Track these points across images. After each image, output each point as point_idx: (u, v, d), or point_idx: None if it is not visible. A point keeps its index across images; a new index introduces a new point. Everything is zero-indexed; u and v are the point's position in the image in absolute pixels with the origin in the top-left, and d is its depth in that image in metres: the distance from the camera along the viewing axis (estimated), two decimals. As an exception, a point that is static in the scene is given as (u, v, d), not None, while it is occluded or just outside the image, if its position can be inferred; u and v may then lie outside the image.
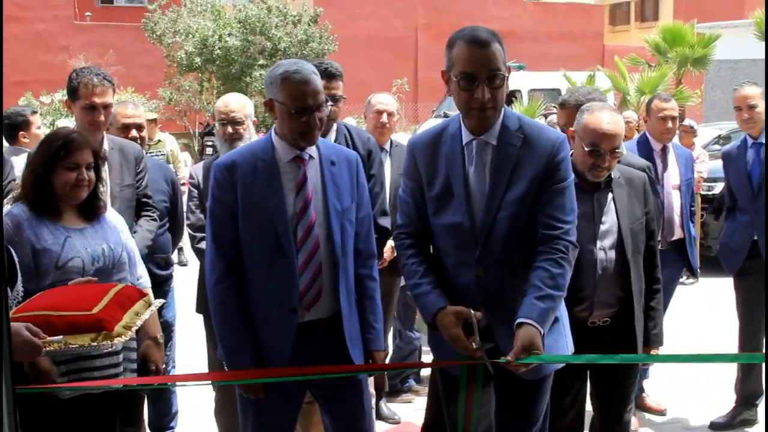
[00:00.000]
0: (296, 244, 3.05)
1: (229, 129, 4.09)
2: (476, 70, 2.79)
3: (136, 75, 21.85)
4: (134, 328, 2.96)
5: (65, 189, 3.19)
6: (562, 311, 3.09)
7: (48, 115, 17.33)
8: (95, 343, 2.83)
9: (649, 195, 3.68)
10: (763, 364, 3.39)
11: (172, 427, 4.85)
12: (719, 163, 10.07)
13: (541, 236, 2.88)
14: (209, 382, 4.30)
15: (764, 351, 4.91)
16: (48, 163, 3.18)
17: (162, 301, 3.26)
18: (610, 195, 3.56)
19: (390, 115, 5.10)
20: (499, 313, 2.87)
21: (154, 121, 11.69)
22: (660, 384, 5.62)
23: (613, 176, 3.56)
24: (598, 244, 3.49)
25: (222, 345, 3.13)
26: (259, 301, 3.07)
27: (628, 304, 3.57)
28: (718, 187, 9.82)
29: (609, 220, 3.53)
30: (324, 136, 4.02)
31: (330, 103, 3.20)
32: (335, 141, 4.06)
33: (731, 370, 5.18)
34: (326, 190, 3.12)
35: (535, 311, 2.76)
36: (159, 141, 11.46)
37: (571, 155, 3.50)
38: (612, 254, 3.51)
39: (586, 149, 3.45)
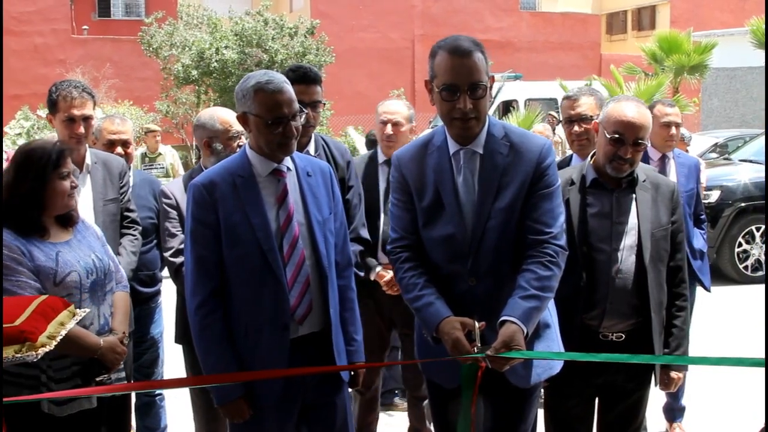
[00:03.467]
0: (283, 258, 3.00)
1: (241, 141, 3.93)
2: (457, 80, 2.80)
3: (134, 88, 21.91)
4: (59, 338, 2.90)
5: (63, 198, 3.14)
6: (554, 318, 3.08)
7: (45, 128, 17.32)
8: (19, 355, 2.80)
9: (678, 204, 3.50)
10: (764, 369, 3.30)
11: (162, 443, 4.79)
12: (715, 171, 10.17)
13: (530, 242, 2.88)
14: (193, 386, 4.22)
15: (765, 356, 4.83)
16: (42, 176, 3.10)
17: (86, 310, 3.14)
18: (632, 196, 3.40)
19: (396, 125, 4.54)
20: (492, 323, 2.84)
21: (150, 133, 11.66)
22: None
23: (638, 178, 3.42)
24: (613, 244, 3.35)
25: (207, 371, 3.03)
26: (249, 321, 2.99)
27: (646, 319, 3.37)
28: (714, 196, 9.82)
29: (629, 222, 3.38)
30: (305, 145, 3.96)
31: (303, 111, 3.12)
32: (315, 152, 3.99)
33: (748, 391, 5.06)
34: (306, 202, 3.08)
35: (518, 309, 2.76)
36: (160, 154, 11.45)
37: (593, 155, 3.49)
38: (630, 258, 3.35)
39: (608, 137, 3.33)
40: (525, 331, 2.74)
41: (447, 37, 2.89)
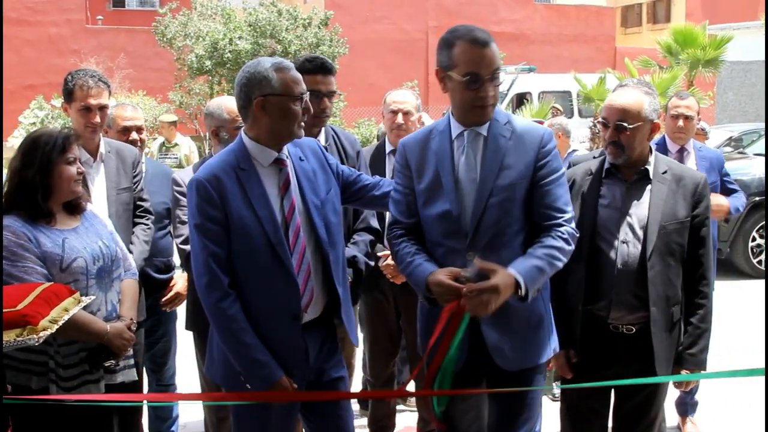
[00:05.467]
0: (289, 248, 3.00)
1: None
2: (481, 70, 2.93)
3: (147, 78, 21.94)
4: (61, 322, 2.93)
5: (69, 184, 3.17)
6: (548, 307, 3.14)
7: (59, 118, 17.38)
8: (20, 338, 2.84)
9: (702, 197, 3.41)
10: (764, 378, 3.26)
11: (173, 432, 4.83)
12: (730, 165, 10.07)
13: (542, 227, 2.97)
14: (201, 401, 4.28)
15: (764, 365, 4.81)
16: (48, 161, 3.13)
17: (92, 297, 3.16)
18: (646, 188, 3.39)
19: (406, 114, 4.57)
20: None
21: (174, 123, 11.73)
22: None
23: (656, 169, 3.41)
24: (620, 236, 3.35)
25: (241, 362, 2.97)
26: (260, 313, 2.98)
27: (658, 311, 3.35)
28: (729, 189, 9.75)
29: (639, 214, 3.37)
30: (315, 135, 3.96)
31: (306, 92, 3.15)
32: (325, 142, 4.00)
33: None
34: (303, 189, 3.08)
35: (521, 265, 2.85)
36: (176, 144, 11.50)
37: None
38: (636, 250, 3.34)
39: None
40: (522, 285, 2.79)
41: (456, 27, 3.01)
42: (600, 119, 3.43)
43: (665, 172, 3.43)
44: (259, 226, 2.94)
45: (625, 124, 3.33)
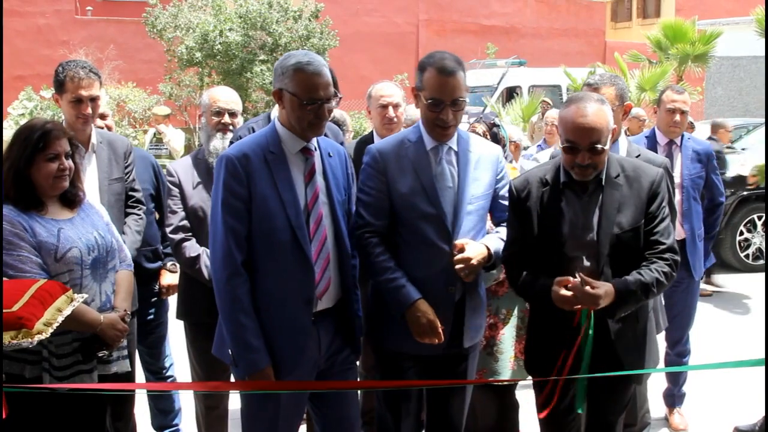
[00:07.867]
0: (309, 235, 3.09)
1: (225, 119, 4.04)
2: (443, 96, 3.25)
3: (137, 70, 21.83)
4: (55, 325, 2.95)
5: (48, 181, 3.17)
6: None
7: (48, 109, 17.30)
8: (15, 341, 2.86)
9: (657, 194, 3.24)
10: (764, 369, 3.27)
11: (176, 425, 4.83)
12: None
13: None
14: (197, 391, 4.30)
15: (765, 356, 4.86)
16: (27, 157, 3.14)
17: (84, 296, 3.16)
18: (599, 197, 3.22)
19: (396, 107, 4.64)
20: (470, 287, 3.41)
21: (167, 116, 11.80)
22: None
23: (608, 174, 3.22)
24: (576, 248, 3.22)
25: (234, 342, 3.06)
26: (275, 294, 3.07)
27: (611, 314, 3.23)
28: (717, 183, 9.81)
29: (595, 226, 3.21)
30: None
31: (338, 95, 3.25)
32: None
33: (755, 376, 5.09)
34: (328, 182, 3.20)
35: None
36: (166, 136, 11.54)
37: None
38: (595, 263, 3.21)
39: (561, 146, 3.20)
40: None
41: (433, 53, 3.33)
42: (564, 143, 3.18)
43: (618, 176, 3.26)
44: (281, 209, 3.04)
45: (599, 146, 3.14)
